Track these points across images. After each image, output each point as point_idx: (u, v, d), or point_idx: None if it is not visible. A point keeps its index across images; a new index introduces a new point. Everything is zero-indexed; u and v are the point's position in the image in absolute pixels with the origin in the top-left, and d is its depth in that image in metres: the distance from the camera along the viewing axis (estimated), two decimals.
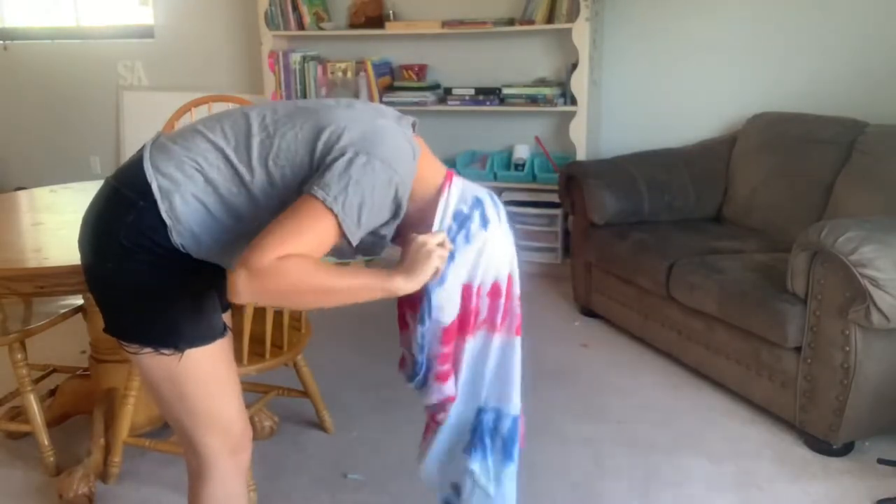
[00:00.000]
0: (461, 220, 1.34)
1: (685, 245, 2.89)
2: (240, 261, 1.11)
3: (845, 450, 2.25)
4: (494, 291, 1.39)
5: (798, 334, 2.27)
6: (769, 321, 2.32)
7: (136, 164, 1.30)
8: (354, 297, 1.20)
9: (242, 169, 1.27)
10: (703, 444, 2.34)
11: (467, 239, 1.34)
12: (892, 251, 2.04)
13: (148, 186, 1.26)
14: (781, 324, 2.28)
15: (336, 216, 1.17)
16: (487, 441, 1.45)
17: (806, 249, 2.21)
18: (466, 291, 1.37)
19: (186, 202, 1.26)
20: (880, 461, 2.16)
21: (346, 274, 1.19)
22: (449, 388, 1.42)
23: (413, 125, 1.40)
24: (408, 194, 1.30)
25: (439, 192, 1.35)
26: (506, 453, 1.46)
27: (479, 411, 1.46)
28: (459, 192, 1.36)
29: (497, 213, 1.38)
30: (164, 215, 1.25)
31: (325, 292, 1.18)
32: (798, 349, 2.29)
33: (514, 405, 1.46)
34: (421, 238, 1.27)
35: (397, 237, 1.39)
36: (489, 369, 1.44)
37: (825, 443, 2.25)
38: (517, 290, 1.43)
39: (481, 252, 1.36)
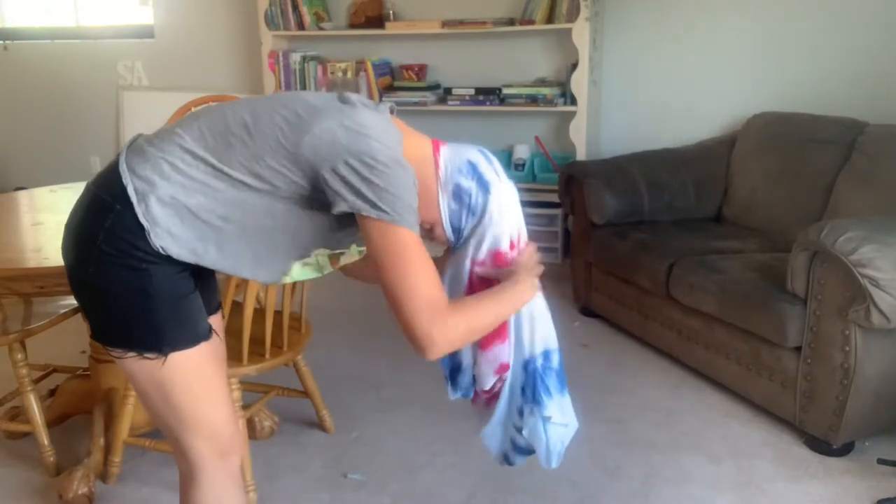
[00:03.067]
0: (460, 196, 1.36)
1: (685, 245, 2.89)
2: (421, 330, 1.20)
3: (845, 450, 2.25)
4: (510, 247, 1.42)
5: (798, 334, 2.27)
6: (769, 321, 2.32)
7: (113, 168, 1.29)
8: (516, 310, 1.40)
9: (224, 168, 1.26)
10: (703, 444, 2.34)
11: (473, 213, 1.37)
12: (892, 251, 2.04)
13: (124, 189, 1.24)
14: (781, 324, 2.28)
15: (397, 224, 1.20)
16: (549, 383, 1.48)
17: (806, 249, 2.21)
18: (500, 258, 1.41)
19: (164, 204, 1.24)
20: (880, 461, 2.16)
21: (504, 296, 1.35)
22: (504, 352, 1.45)
23: (391, 110, 1.39)
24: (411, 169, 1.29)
25: (432, 164, 1.36)
26: (561, 384, 1.50)
27: (525, 364, 1.48)
28: (452, 161, 1.37)
29: (494, 169, 1.39)
30: (141, 218, 1.23)
31: (497, 320, 1.36)
32: (798, 349, 2.29)
33: (554, 340, 1.50)
34: (518, 261, 1.40)
35: None
36: (525, 319, 1.46)
37: (825, 443, 2.25)
38: (525, 237, 1.46)
39: (493, 219, 1.37)
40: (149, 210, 1.24)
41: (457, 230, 1.39)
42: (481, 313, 1.31)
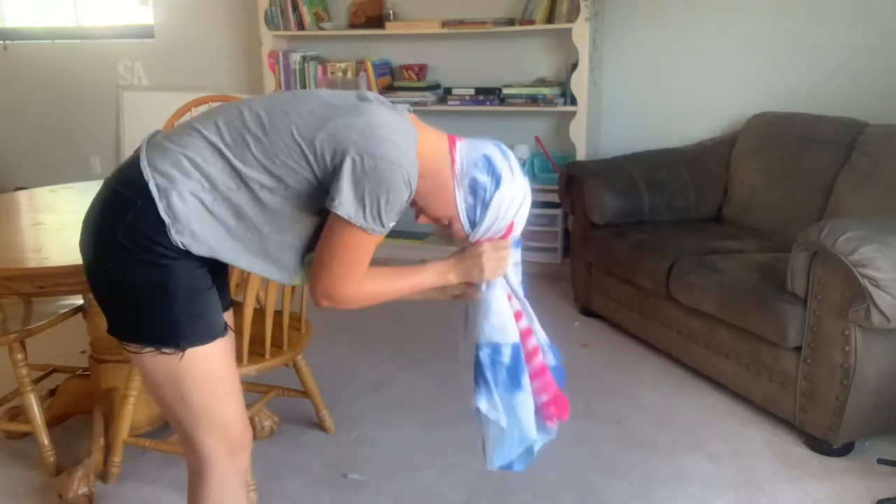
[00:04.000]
0: (475, 190, 1.37)
1: (685, 245, 2.89)
2: (320, 290, 1.32)
3: (845, 450, 2.25)
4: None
5: (798, 334, 2.27)
6: (769, 321, 2.32)
7: (133, 163, 1.30)
8: (420, 291, 1.45)
9: (239, 165, 1.27)
10: (703, 444, 2.34)
11: (486, 207, 1.38)
12: (892, 251, 2.04)
13: (145, 185, 1.25)
14: (781, 324, 2.28)
15: (361, 228, 1.24)
16: (489, 376, 1.46)
17: (806, 249, 2.21)
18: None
19: (184, 200, 1.25)
20: (880, 461, 2.16)
21: (410, 275, 1.43)
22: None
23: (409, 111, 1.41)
24: (416, 178, 1.30)
25: (448, 159, 1.37)
26: (513, 382, 1.47)
27: (477, 349, 1.49)
28: (468, 155, 1.38)
29: (508, 164, 1.40)
30: (162, 213, 1.24)
31: (396, 296, 1.42)
32: (798, 349, 2.29)
33: (511, 334, 1.48)
34: (485, 246, 1.43)
35: (420, 214, 1.44)
36: (479, 306, 1.48)
37: (825, 443, 2.25)
38: (517, 231, 1.47)
39: (498, 212, 1.39)
40: (170, 206, 1.25)
41: (472, 223, 1.40)
42: (379, 291, 1.39)
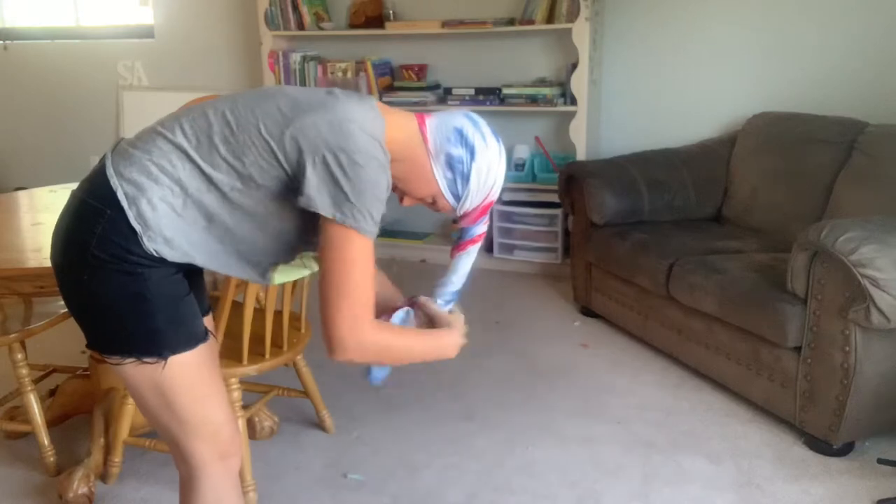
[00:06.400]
0: (452, 165, 1.36)
1: (685, 245, 2.89)
2: (334, 336, 1.24)
3: (845, 450, 2.25)
4: (483, 211, 1.46)
5: (798, 334, 2.27)
6: (769, 321, 2.32)
7: (100, 173, 1.28)
8: (430, 357, 1.41)
9: (207, 168, 1.25)
10: (703, 444, 2.34)
11: (466, 180, 1.37)
12: (892, 251, 2.04)
13: (113, 194, 1.23)
14: (781, 324, 2.28)
15: (354, 229, 1.22)
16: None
17: (806, 249, 2.21)
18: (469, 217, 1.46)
19: (154, 207, 1.24)
20: (880, 461, 2.16)
21: (421, 344, 1.39)
22: None
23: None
24: (388, 164, 1.29)
25: (420, 139, 1.36)
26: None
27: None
28: (439, 131, 1.37)
29: (480, 132, 1.38)
30: (133, 222, 1.22)
31: (408, 354, 1.38)
32: (798, 349, 2.29)
33: None
34: (462, 318, 1.47)
35: (404, 197, 1.43)
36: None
37: (825, 443, 2.25)
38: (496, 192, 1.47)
39: (478, 181, 1.38)
40: (140, 213, 1.23)
41: (456, 197, 1.40)
42: (399, 344, 1.34)
